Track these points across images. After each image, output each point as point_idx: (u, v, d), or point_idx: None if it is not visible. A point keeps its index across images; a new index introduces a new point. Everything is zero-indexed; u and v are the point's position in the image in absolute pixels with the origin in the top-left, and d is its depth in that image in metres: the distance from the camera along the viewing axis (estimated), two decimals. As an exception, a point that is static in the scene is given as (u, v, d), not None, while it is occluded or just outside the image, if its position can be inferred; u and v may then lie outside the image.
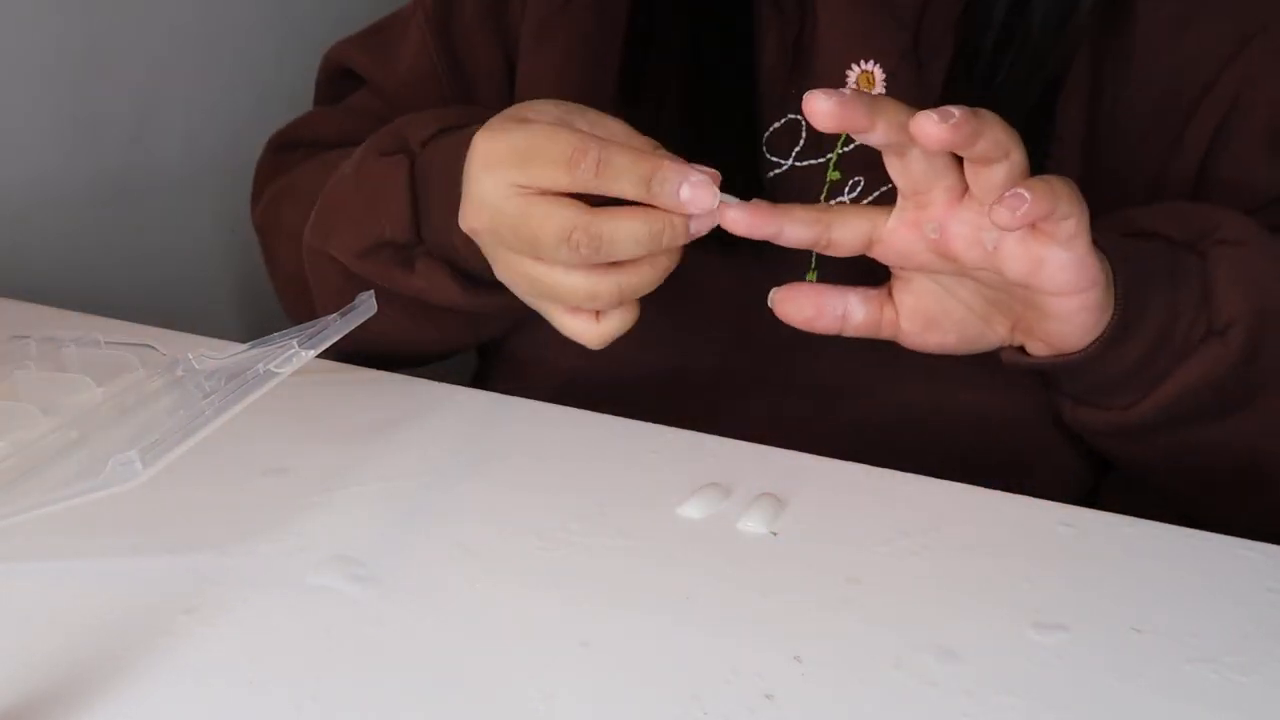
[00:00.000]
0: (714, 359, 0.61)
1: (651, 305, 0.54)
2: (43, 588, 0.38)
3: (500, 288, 0.51)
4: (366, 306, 0.48)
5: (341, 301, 0.50)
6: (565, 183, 0.45)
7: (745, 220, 0.46)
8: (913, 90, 0.58)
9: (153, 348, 0.48)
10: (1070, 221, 0.43)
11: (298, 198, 0.64)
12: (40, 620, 0.36)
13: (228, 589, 0.38)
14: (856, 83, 0.59)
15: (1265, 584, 0.40)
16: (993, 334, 0.50)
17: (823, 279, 0.58)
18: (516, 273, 0.48)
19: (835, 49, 0.59)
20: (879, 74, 0.59)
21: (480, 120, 0.51)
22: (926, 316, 0.49)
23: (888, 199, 0.57)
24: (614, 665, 0.35)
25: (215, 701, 0.33)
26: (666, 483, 0.46)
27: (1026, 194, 0.41)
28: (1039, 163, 0.56)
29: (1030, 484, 0.47)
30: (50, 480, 0.39)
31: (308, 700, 0.33)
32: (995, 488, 0.46)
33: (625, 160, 0.45)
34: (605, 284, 0.47)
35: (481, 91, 0.66)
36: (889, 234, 0.48)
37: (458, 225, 0.50)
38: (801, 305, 0.49)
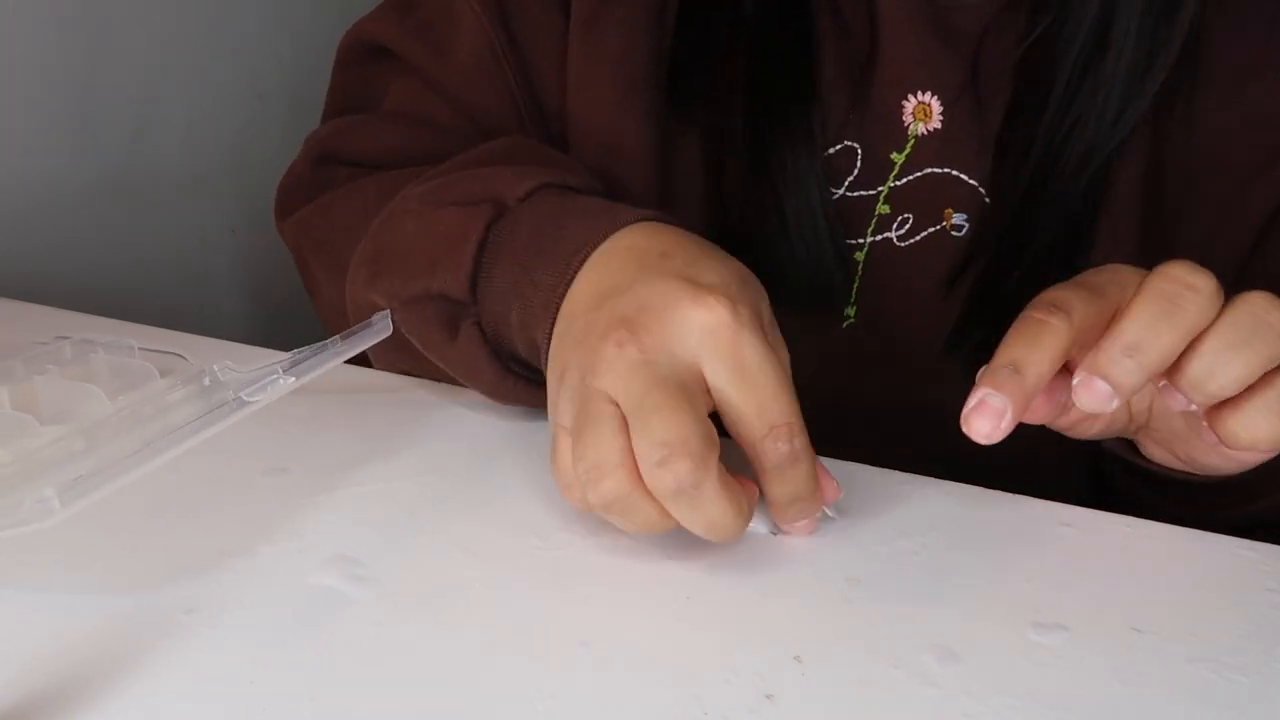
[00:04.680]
0: None
1: None
2: (42, 587, 0.38)
3: (535, 384, 0.47)
4: (381, 327, 0.46)
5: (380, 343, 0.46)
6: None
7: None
8: (972, 125, 0.57)
9: (182, 356, 0.48)
10: None
11: (339, 224, 0.58)
12: (40, 620, 0.36)
13: (228, 589, 0.38)
14: (913, 114, 0.57)
15: (1265, 584, 0.40)
16: (1127, 424, 0.47)
17: (863, 305, 0.57)
18: (582, 427, 0.39)
19: (893, 78, 0.58)
20: (936, 106, 0.57)
21: (583, 178, 0.48)
22: (1089, 419, 0.46)
23: (935, 240, 0.57)
24: (614, 665, 0.35)
25: (215, 701, 0.33)
26: (666, 483, 0.45)
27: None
28: (1089, 230, 0.54)
29: (1031, 484, 0.47)
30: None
31: (308, 700, 0.33)
32: (995, 488, 0.46)
33: (806, 470, 0.41)
34: (662, 519, 0.39)
35: (540, 72, 0.60)
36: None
37: (527, 301, 0.44)
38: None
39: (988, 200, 0.57)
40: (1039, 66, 0.55)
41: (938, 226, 0.57)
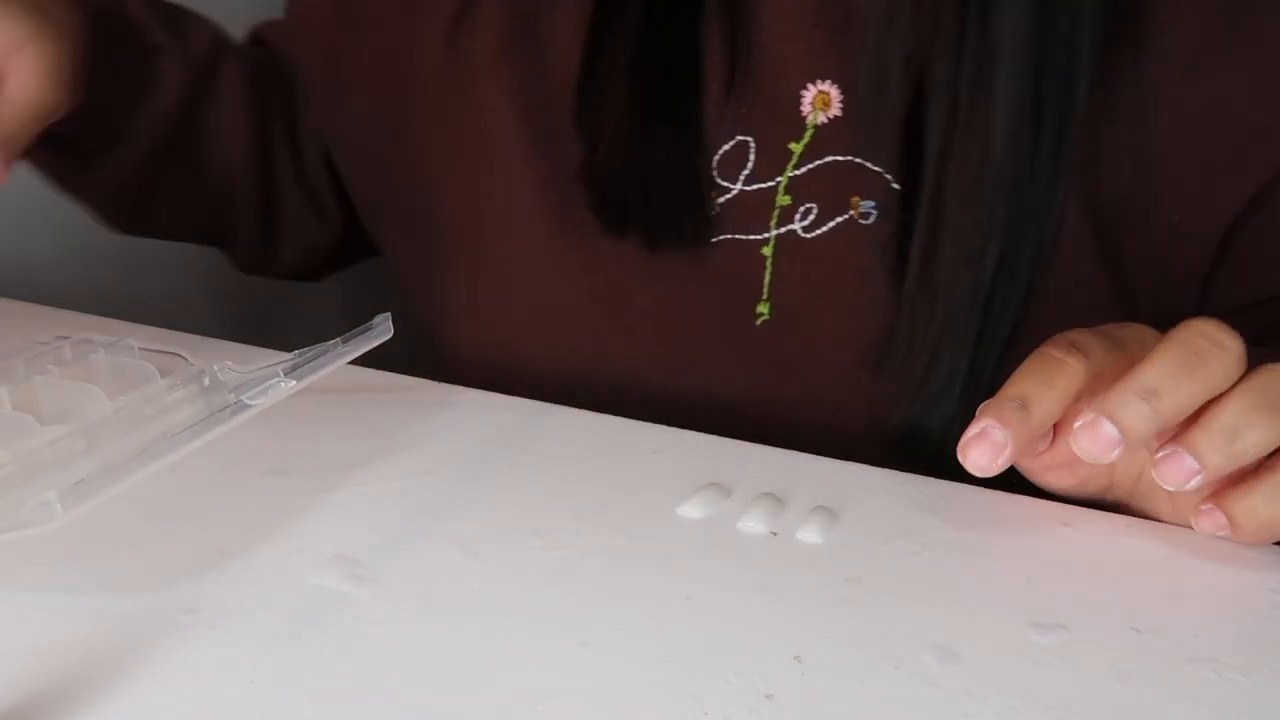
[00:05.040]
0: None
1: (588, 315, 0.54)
2: (42, 588, 0.38)
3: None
4: (382, 329, 0.46)
5: None
6: None
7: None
8: (874, 113, 0.55)
9: (182, 356, 0.48)
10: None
11: None
12: (40, 620, 0.36)
13: (228, 589, 0.38)
14: (812, 103, 0.56)
15: (1265, 584, 0.40)
16: (1105, 489, 0.45)
17: (776, 302, 0.56)
18: None
19: (788, 69, 0.57)
20: (836, 94, 0.56)
21: None
22: (1069, 466, 0.44)
23: (844, 229, 0.56)
24: (614, 665, 0.35)
25: (215, 701, 0.33)
26: (666, 483, 0.46)
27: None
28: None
29: (1031, 484, 0.47)
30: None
31: (308, 700, 0.33)
32: (995, 488, 0.46)
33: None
34: None
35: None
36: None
37: None
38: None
39: (895, 186, 0.55)
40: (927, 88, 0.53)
41: (845, 216, 0.56)
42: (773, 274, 0.57)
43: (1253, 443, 0.38)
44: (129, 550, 0.40)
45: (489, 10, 0.61)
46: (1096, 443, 0.38)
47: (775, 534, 0.42)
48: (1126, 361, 0.40)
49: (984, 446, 0.38)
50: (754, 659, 0.35)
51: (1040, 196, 0.51)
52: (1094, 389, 0.39)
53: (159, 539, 0.41)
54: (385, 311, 0.48)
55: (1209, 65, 0.53)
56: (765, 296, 0.57)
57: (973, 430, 0.39)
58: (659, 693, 0.33)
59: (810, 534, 0.42)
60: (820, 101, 0.56)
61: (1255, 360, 0.39)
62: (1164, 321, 0.56)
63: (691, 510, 0.44)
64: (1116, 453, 0.38)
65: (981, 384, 0.52)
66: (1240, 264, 0.56)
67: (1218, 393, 0.38)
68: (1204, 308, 0.57)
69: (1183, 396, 0.37)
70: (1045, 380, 0.39)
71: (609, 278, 0.59)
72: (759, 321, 0.58)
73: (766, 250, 0.57)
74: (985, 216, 0.51)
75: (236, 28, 0.72)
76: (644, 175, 0.57)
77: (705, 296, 0.58)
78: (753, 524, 0.43)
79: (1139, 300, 0.56)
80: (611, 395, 0.56)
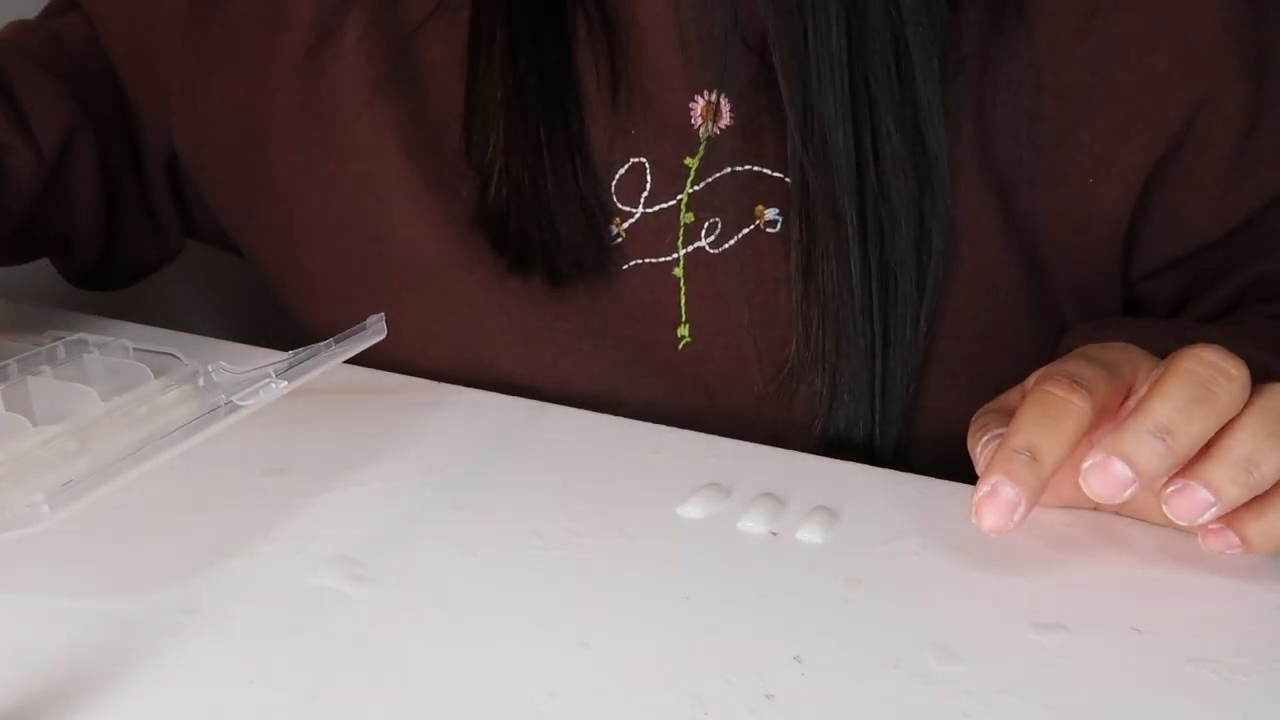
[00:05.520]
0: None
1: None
2: (42, 588, 0.38)
3: None
4: (375, 329, 0.46)
5: None
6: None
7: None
8: (766, 117, 0.54)
9: (176, 356, 0.48)
10: None
11: None
12: (40, 620, 0.36)
13: (227, 589, 0.38)
14: (701, 114, 0.55)
15: (1265, 584, 0.40)
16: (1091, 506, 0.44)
17: (695, 323, 0.55)
18: None
19: (673, 83, 0.55)
20: (725, 104, 0.55)
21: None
22: (1056, 491, 0.43)
23: (751, 241, 0.54)
24: (614, 665, 0.35)
25: (215, 701, 0.33)
26: (666, 483, 0.46)
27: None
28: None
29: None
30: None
31: (307, 700, 0.33)
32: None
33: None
34: None
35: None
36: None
37: None
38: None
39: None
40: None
41: (751, 226, 0.55)
42: (687, 294, 0.56)
43: (1269, 470, 0.36)
44: (128, 550, 0.40)
45: (353, 45, 0.58)
46: (1109, 484, 0.36)
47: (775, 534, 0.42)
48: (1123, 388, 0.39)
49: (997, 507, 0.37)
50: (754, 659, 0.35)
51: (915, 188, 0.50)
52: (1095, 422, 0.38)
53: (158, 539, 0.41)
54: (379, 312, 0.48)
55: (1101, 20, 0.52)
56: (684, 319, 0.56)
57: (983, 489, 0.37)
58: (659, 693, 0.33)
59: (810, 534, 0.42)
60: (708, 112, 0.55)
61: (1256, 375, 0.38)
62: (1084, 288, 0.55)
63: (691, 510, 0.44)
64: (1129, 493, 0.36)
65: (897, 382, 0.52)
66: (1162, 220, 0.54)
67: (1226, 421, 0.37)
68: (1130, 269, 0.56)
69: (1195, 430, 0.36)
70: (1051, 424, 0.37)
71: (524, 314, 0.57)
72: (681, 345, 0.56)
73: (678, 271, 0.56)
74: (849, 221, 0.50)
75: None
76: (537, 213, 0.55)
77: (624, 325, 0.56)
78: (753, 524, 0.43)
79: (1054, 273, 0.55)
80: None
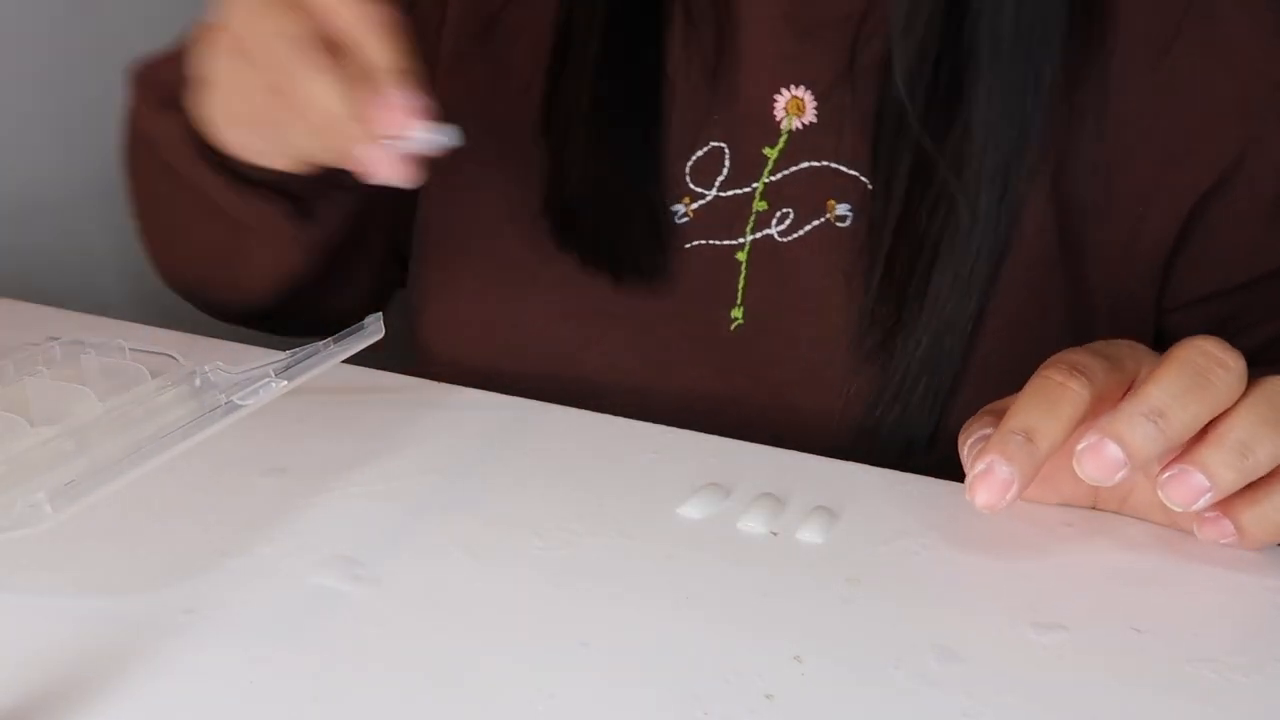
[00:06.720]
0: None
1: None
2: (42, 588, 0.38)
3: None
4: (374, 329, 0.46)
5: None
6: None
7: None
8: (848, 116, 0.55)
9: (173, 357, 0.48)
10: None
11: None
12: (40, 620, 0.36)
13: (228, 589, 0.38)
14: (785, 109, 0.56)
15: (1265, 584, 0.40)
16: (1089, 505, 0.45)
17: (750, 307, 0.57)
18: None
19: (761, 76, 0.57)
20: (809, 100, 0.56)
21: None
22: (1055, 486, 0.44)
23: (821, 232, 0.56)
24: (614, 665, 0.35)
25: (215, 701, 0.33)
26: (666, 483, 0.46)
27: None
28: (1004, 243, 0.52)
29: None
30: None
31: (307, 700, 0.33)
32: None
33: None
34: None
35: None
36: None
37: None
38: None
39: (870, 189, 0.55)
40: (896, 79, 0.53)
41: (821, 219, 0.56)
42: (747, 279, 0.57)
43: (1264, 457, 0.37)
44: (128, 551, 0.40)
45: (455, 8, 0.62)
46: (1101, 466, 0.37)
47: (775, 534, 0.42)
48: (1125, 381, 0.40)
49: (991, 484, 0.38)
50: (754, 659, 0.35)
51: (1011, 197, 0.52)
52: (1094, 410, 0.38)
53: (158, 539, 0.41)
54: (376, 311, 0.48)
55: (1170, 53, 0.53)
56: (739, 301, 0.57)
57: (978, 467, 0.38)
58: (659, 693, 0.33)
59: (810, 534, 0.42)
60: (794, 107, 0.56)
61: (1253, 374, 0.39)
62: (1121, 313, 0.56)
63: (691, 510, 0.44)
64: (1121, 475, 0.37)
65: (945, 376, 0.53)
66: (1199, 254, 0.55)
67: (1220, 411, 0.37)
68: (1163, 299, 0.57)
69: (1189, 417, 0.37)
70: (1049, 408, 0.38)
71: (580, 292, 0.58)
72: (733, 327, 0.57)
73: (741, 255, 0.57)
74: (969, 227, 0.51)
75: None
76: (604, 214, 0.57)
77: (678, 303, 0.58)
78: (753, 524, 0.43)
79: (1096, 293, 0.56)
80: (586, 400, 0.56)
